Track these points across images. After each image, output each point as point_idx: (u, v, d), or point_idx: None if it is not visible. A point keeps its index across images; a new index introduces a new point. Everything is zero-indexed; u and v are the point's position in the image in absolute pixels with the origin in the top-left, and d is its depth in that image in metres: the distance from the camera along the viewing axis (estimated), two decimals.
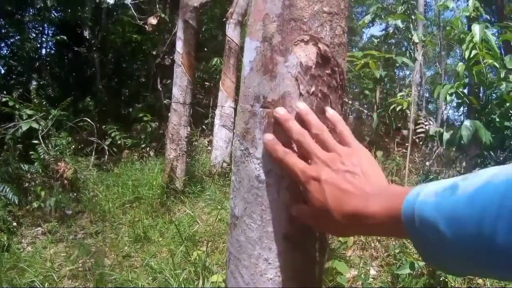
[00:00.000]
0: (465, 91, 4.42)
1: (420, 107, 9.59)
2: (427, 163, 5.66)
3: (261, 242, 1.17)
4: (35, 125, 5.78)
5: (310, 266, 1.18)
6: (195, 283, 3.35)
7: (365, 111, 9.89)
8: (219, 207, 5.41)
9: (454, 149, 5.10)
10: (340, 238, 4.09)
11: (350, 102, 10.14)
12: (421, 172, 5.41)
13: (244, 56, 1.27)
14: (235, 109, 7.52)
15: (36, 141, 5.72)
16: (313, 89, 1.14)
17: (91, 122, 7.36)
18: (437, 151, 5.70)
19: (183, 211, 5.36)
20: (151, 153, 7.72)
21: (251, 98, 1.20)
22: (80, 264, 4.02)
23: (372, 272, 3.75)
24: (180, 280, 3.36)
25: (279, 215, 1.16)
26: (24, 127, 5.69)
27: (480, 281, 3.32)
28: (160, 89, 9.03)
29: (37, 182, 5.40)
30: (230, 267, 1.29)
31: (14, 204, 4.79)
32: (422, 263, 2.65)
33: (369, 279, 3.52)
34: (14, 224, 4.63)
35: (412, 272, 2.80)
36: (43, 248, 4.31)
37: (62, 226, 4.84)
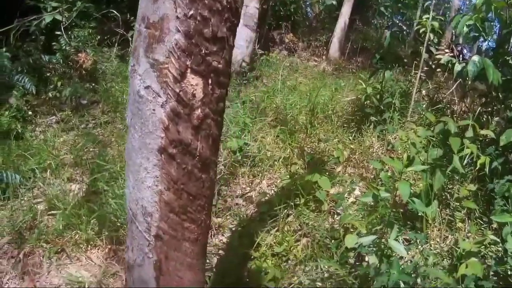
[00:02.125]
0: None
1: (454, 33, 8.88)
2: (427, 91, 5.43)
3: (141, 152, 1.28)
4: (58, 17, 5.87)
5: (187, 180, 1.28)
6: None
7: (404, 28, 9.34)
8: (228, 105, 5.51)
9: (469, 82, 4.88)
10: (334, 152, 4.13)
11: (388, 15, 9.54)
12: (432, 98, 5.22)
13: None
14: (260, 10, 7.35)
15: (59, 33, 5.84)
16: (191, 12, 1.15)
17: (117, 14, 7.35)
18: (456, 81, 5.42)
19: None
20: None
21: (140, 18, 1.24)
22: (85, 153, 4.31)
23: (357, 192, 3.78)
24: None
25: (155, 129, 1.24)
26: (48, 19, 5.79)
27: (460, 224, 3.33)
28: None
29: (57, 72, 5.62)
30: (126, 171, 1.42)
31: (31, 93, 5.05)
32: (385, 194, 2.60)
33: (349, 201, 3.58)
34: (30, 113, 4.91)
35: (373, 201, 2.80)
36: (54, 136, 4.59)
37: (76, 115, 5.09)
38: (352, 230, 2.91)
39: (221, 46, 1.17)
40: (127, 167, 1.36)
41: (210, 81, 1.18)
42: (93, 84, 5.81)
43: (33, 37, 5.92)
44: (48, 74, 5.58)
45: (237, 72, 6.51)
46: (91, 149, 4.47)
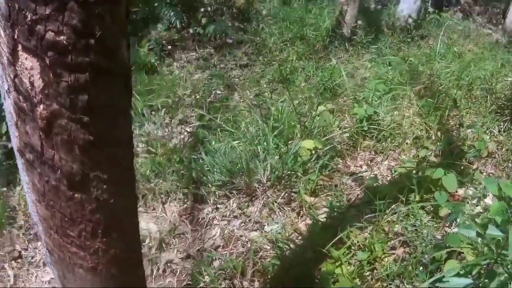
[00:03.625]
0: None
1: None
2: None
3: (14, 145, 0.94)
4: None
5: (55, 197, 0.92)
6: (289, 142, 3.19)
7: None
8: (379, 61, 4.79)
9: None
10: (476, 143, 3.20)
11: None
12: None
13: None
14: None
15: None
16: None
17: None
18: None
19: (344, 59, 4.97)
20: None
21: None
22: (210, 94, 4.23)
23: (488, 200, 2.67)
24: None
25: (11, 124, 0.89)
26: None
27: None
28: None
29: (210, 8, 5.55)
30: None
31: (175, 28, 5.10)
32: (495, 232, 1.71)
33: (475, 210, 2.63)
34: (169, 47, 4.98)
35: None
36: (190, 73, 4.59)
37: (217, 54, 5.04)
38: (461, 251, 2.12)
39: (59, 4, 0.71)
40: None
41: (48, 63, 0.75)
42: (245, 24, 5.60)
43: None
44: (202, 10, 5.56)
45: (401, 27, 5.73)
46: (218, 92, 4.38)
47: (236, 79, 4.67)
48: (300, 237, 2.64)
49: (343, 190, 2.98)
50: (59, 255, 1.01)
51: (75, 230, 0.94)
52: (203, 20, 5.16)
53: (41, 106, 0.79)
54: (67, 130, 0.82)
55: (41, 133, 0.82)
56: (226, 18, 5.53)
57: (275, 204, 2.85)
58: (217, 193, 2.95)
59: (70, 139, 0.82)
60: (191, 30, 5.20)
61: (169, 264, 2.54)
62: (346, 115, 3.77)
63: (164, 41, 4.94)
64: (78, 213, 0.92)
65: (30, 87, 0.78)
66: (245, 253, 2.56)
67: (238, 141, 3.29)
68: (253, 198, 2.95)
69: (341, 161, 3.30)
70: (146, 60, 4.56)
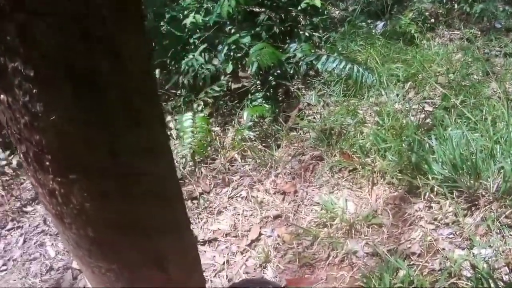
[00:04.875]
0: None
1: None
2: None
3: None
4: None
5: None
6: None
7: None
8: None
9: None
10: None
11: None
12: None
13: None
14: None
15: None
16: None
17: None
18: None
19: None
20: None
21: None
22: (466, 77, 3.71)
23: None
24: None
25: None
26: None
27: None
28: None
29: None
30: None
31: (442, 2, 4.75)
32: None
33: None
34: (432, 21, 4.61)
35: None
36: (449, 52, 4.15)
37: (483, 38, 4.42)
38: None
39: None
40: None
41: None
42: None
43: None
44: None
45: None
46: (475, 76, 3.98)
47: (498, 67, 4.15)
48: (508, 275, 1.96)
49: None
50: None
51: (19, 147, 0.67)
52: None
53: None
54: None
55: None
56: (498, 0, 4.87)
57: (497, 222, 2.14)
58: (435, 188, 2.39)
59: None
60: (456, 6, 4.83)
61: (349, 255, 2.17)
62: None
63: (427, 14, 4.66)
64: (10, 121, 0.63)
65: None
66: (439, 272, 2.02)
67: (477, 134, 2.65)
68: (473, 207, 2.29)
69: None
70: (407, 30, 4.39)
